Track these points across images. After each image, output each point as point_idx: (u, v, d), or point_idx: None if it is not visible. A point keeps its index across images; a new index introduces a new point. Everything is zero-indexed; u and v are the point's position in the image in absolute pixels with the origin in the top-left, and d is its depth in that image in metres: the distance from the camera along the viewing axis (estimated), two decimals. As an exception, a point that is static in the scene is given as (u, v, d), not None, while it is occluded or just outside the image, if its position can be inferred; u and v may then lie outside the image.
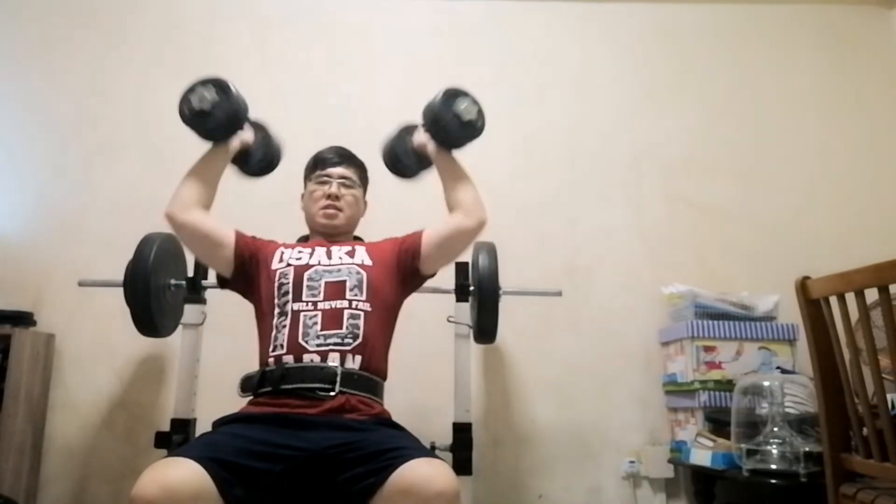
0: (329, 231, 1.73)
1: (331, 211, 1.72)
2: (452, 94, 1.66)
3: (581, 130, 2.89)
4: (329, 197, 1.72)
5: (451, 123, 1.65)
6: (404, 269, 1.67)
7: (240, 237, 1.67)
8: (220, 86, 1.61)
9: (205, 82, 1.62)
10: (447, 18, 2.98)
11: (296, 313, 1.53)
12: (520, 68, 2.95)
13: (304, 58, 2.91)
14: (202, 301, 2.19)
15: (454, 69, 2.92)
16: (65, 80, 2.84)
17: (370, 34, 2.95)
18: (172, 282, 2.13)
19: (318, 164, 1.78)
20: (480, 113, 1.66)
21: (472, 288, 2.13)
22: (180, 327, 2.19)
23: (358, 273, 1.59)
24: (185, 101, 1.60)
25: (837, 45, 3.02)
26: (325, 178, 1.75)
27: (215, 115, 1.60)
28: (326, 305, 1.53)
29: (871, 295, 1.48)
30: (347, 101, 2.85)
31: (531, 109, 2.90)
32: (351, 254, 1.65)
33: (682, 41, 3.00)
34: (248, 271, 1.64)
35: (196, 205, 1.61)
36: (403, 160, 1.79)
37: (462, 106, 1.65)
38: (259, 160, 1.77)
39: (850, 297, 1.52)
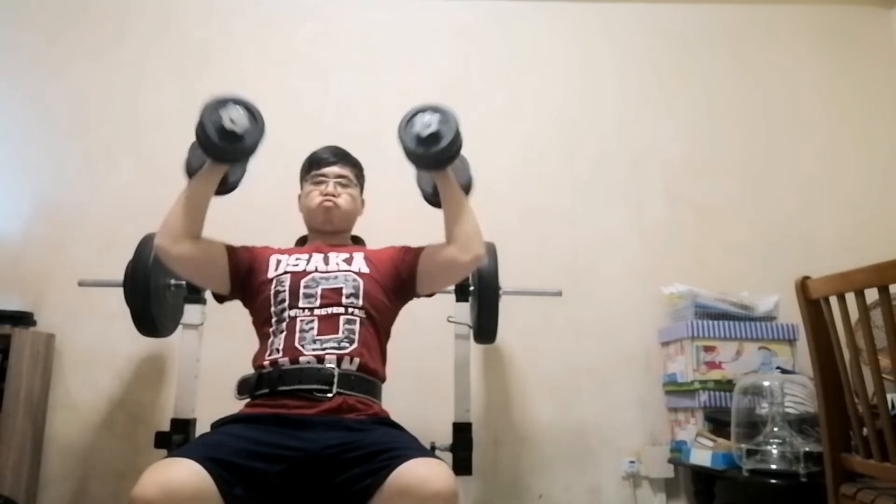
0: (328, 229, 1.72)
1: (329, 204, 1.69)
2: (411, 115, 1.54)
3: (581, 130, 2.89)
4: (326, 195, 1.70)
5: (411, 144, 1.52)
6: (401, 284, 1.64)
7: (232, 253, 1.62)
8: (250, 109, 1.51)
9: (235, 101, 1.49)
10: (447, 18, 2.97)
11: (292, 319, 1.52)
12: (520, 68, 2.95)
13: (304, 58, 2.90)
14: (202, 301, 2.18)
15: (454, 69, 2.92)
16: (64, 80, 2.83)
17: (370, 34, 2.95)
18: (172, 282, 2.13)
19: (313, 165, 1.76)
20: (444, 122, 1.51)
21: (472, 288, 2.13)
22: (180, 327, 2.19)
23: (355, 280, 1.58)
24: (213, 116, 1.46)
25: (838, 45, 3.02)
26: (322, 178, 1.73)
27: (245, 142, 1.49)
28: (323, 311, 1.52)
29: (871, 295, 1.48)
30: (347, 102, 2.85)
31: (532, 109, 2.90)
32: (349, 261, 1.63)
33: (682, 41, 3.00)
34: (244, 284, 1.62)
35: (186, 235, 1.54)
36: (434, 196, 1.68)
37: (417, 125, 1.52)
38: (233, 182, 1.65)
39: (850, 297, 1.53)
